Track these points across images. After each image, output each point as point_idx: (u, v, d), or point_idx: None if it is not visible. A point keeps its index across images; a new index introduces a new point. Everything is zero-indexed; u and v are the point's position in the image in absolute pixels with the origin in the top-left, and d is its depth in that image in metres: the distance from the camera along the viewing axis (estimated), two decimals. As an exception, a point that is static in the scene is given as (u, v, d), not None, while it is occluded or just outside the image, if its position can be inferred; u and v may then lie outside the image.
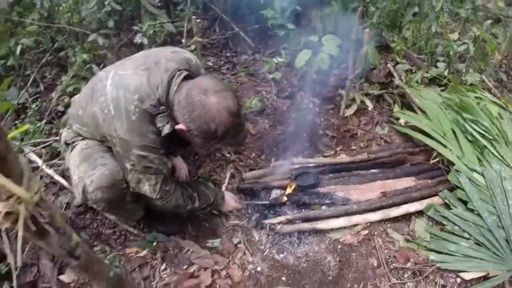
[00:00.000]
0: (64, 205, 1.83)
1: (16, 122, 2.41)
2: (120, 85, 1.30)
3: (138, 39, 2.57)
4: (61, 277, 1.56)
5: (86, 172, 1.37)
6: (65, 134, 1.58)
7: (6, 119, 2.36)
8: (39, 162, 1.99)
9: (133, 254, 1.66)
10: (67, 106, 2.38)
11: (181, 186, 1.57)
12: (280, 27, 2.90)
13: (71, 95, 2.41)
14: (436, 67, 3.10)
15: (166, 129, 1.33)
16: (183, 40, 2.42)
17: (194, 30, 2.13)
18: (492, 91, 2.98)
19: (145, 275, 1.58)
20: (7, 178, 0.47)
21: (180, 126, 1.32)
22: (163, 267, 1.62)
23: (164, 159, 1.42)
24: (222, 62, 2.93)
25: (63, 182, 1.89)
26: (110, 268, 0.86)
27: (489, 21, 4.35)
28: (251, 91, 2.61)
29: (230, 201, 1.81)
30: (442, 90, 2.84)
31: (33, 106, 2.44)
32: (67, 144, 1.54)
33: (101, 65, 2.50)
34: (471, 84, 2.89)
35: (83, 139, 1.51)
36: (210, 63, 2.89)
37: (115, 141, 1.33)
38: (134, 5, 2.96)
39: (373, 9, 3.44)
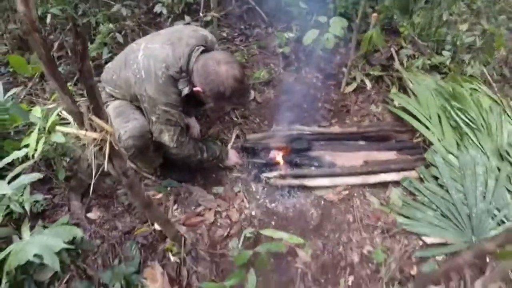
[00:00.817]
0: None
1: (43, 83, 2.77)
2: (150, 56, 1.67)
3: (157, 8, 2.85)
4: (89, 215, 1.96)
5: (120, 124, 1.74)
6: None
7: (34, 81, 2.68)
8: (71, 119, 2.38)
9: (151, 196, 2.06)
10: (94, 68, 2.72)
11: (193, 140, 1.95)
12: (293, 5, 3.16)
13: (94, 59, 2.74)
14: (441, 55, 3.34)
15: (185, 90, 1.71)
16: (201, 13, 2.70)
17: (212, 5, 2.42)
18: (491, 84, 3.22)
19: (160, 211, 1.99)
20: (100, 119, 0.82)
21: (197, 89, 1.70)
22: (175, 207, 2.02)
23: (182, 115, 1.78)
24: (236, 34, 3.21)
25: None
26: (144, 191, 1.23)
27: (503, 16, 4.50)
28: (261, 63, 2.93)
29: (233, 157, 2.19)
30: (442, 78, 3.10)
31: (59, 69, 2.78)
32: None
33: (122, 32, 2.78)
34: (470, 76, 3.13)
35: (115, 99, 1.88)
36: (224, 34, 3.18)
37: (144, 99, 1.69)
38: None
39: (386, -8, 3.65)
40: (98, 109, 0.76)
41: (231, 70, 1.64)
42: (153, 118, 1.72)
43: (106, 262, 1.80)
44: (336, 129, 2.50)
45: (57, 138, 1.52)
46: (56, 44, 2.86)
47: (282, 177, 2.13)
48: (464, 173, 2.19)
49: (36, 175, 1.36)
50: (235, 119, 2.51)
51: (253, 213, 2.02)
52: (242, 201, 2.06)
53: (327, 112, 2.69)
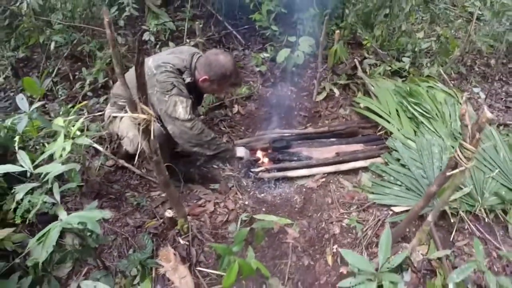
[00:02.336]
0: (98, 166, 2.70)
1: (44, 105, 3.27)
2: (159, 59, 2.28)
3: (146, 36, 3.52)
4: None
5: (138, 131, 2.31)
6: (109, 110, 2.53)
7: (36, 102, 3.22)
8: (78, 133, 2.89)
9: (156, 196, 2.57)
10: (91, 91, 3.30)
11: None
12: (266, 28, 3.88)
13: (91, 83, 3.31)
14: (402, 61, 4.08)
15: (188, 79, 2.31)
16: (186, 40, 3.39)
17: (197, 33, 3.10)
18: (446, 82, 3.96)
19: (167, 208, 2.53)
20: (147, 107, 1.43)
21: (204, 77, 2.31)
22: (179, 202, 2.57)
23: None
24: (217, 57, 3.91)
25: (99, 148, 2.80)
26: (166, 172, 1.79)
27: (459, 20, 5.38)
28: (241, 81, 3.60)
29: (241, 149, 2.59)
30: (403, 81, 3.82)
31: (60, 92, 3.28)
32: (114, 117, 2.46)
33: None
34: (427, 76, 3.86)
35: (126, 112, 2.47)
36: (206, 58, 3.87)
37: (156, 89, 2.19)
38: (139, 5, 3.88)
39: (348, 11, 4.44)
40: (146, 100, 1.37)
41: (227, 57, 2.35)
42: (166, 98, 2.18)
43: (122, 253, 2.22)
44: (310, 130, 3.11)
45: (83, 141, 1.96)
46: (55, 70, 3.41)
47: (267, 171, 2.68)
48: (422, 153, 2.77)
49: (74, 165, 1.86)
50: (223, 128, 3.10)
51: (246, 203, 2.55)
52: (236, 193, 2.59)
53: (302, 118, 3.32)
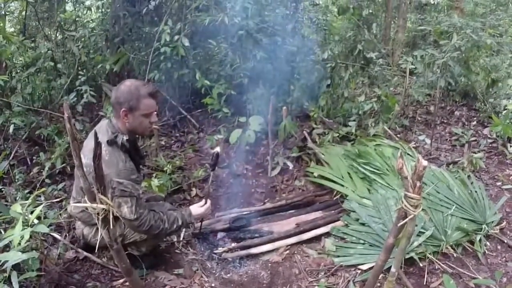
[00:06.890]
0: (57, 255, 2.70)
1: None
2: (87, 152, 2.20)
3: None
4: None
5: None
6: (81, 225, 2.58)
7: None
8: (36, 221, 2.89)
9: (119, 285, 2.59)
10: (49, 177, 3.42)
11: (152, 211, 2.45)
12: (218, 111, 4.29)
13: (49, 169, 3.46)
14: (349, 126, 4.56)
15: (124, 138, 2.26)
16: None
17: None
18: (392, 137, 4.41)
19: (131, 297, 2.60)
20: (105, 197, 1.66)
21: (122, 111, 2.23)
22: (144, 291, 2.65)
23: (136, 185, 2.29)
24: (173, 141, 4.23)
25: (58, 237, 2.80)
26: (127, 260, 1.96)
27: (395, 78, 6.10)
28: (197, 164, 3.88)
29: (198, 210, 2.63)
30: (352, 144, 4.26)
31: (17, 176, 3.37)
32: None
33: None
34: (374, 135, 4.33)
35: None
36: (162, 142, 4.17)
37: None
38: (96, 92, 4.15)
39: (293, 87, 4.97)
40: (104, 190, 1.60)
41: (125, 81, 2.34)
42: (109, 195, 2.09)
43: None
44: (268, 205, 3.41)
45: (42, 228, 2.00)
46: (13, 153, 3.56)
47: (230, 250, 2.86)
48: (379, 208, 3.07)
49: (34, 253, 1.96)
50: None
51: (213, 285, 2.66)
52: (202, 276, 2.70)
53: (260, 194, 3.62)
